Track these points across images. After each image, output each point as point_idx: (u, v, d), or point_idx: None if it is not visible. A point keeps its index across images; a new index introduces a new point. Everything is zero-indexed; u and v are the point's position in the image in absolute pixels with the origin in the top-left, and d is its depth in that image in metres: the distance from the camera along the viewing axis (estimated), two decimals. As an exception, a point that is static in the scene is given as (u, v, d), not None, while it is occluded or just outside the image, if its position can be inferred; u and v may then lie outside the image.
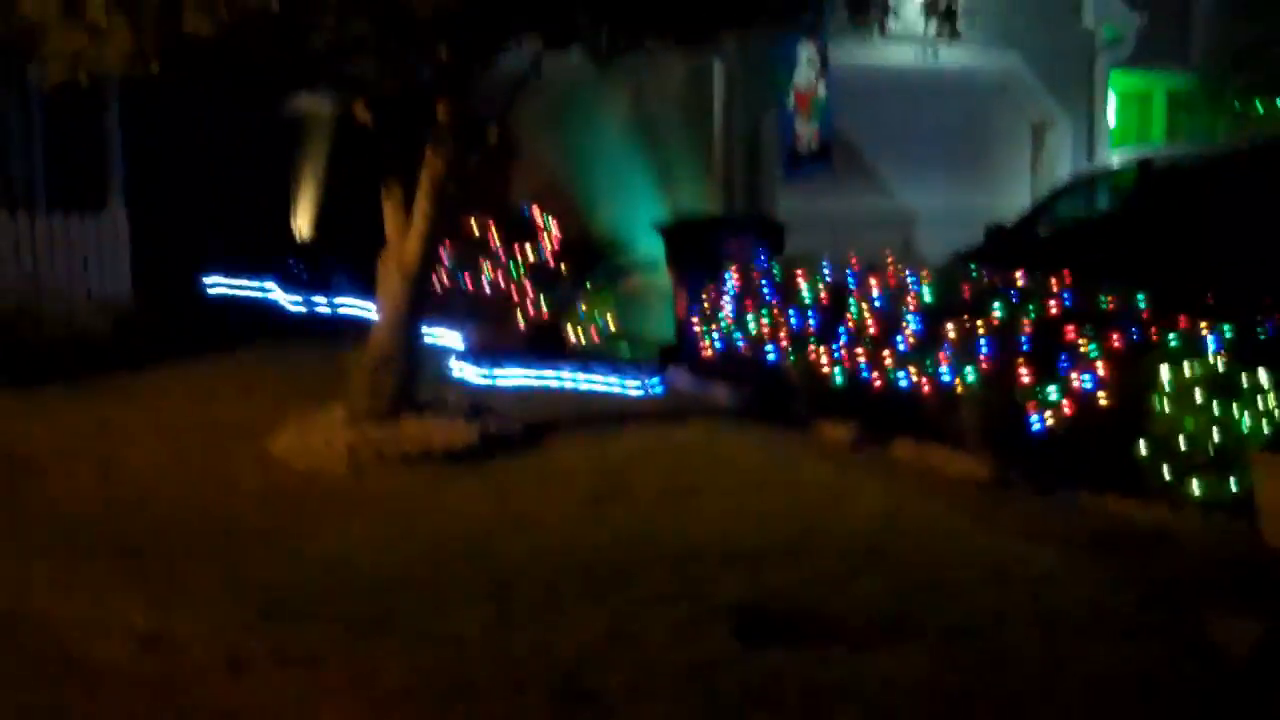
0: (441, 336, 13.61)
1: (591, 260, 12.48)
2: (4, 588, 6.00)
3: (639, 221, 12.88)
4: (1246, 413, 7.39)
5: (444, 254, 14.79)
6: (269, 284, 19.27)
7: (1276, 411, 7.41)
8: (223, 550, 6.56)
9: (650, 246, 12.70)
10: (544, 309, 12.75)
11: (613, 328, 13.03)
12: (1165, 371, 7.45)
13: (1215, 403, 7.37)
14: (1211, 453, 7.30)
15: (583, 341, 12.76)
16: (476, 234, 14.31)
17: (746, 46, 9.84)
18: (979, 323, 8.37)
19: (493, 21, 7.37)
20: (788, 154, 12.13)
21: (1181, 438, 7.34)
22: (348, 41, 6.95)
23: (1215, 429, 7.32)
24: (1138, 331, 7.76)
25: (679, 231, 11.88)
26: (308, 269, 20.47)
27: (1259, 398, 7.42)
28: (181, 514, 7.20)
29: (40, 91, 11.51)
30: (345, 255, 19.32)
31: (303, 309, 17.72)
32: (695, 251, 11.59)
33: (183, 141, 20.48)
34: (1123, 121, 14.50)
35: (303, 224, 23.17)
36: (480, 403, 9.34)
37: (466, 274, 14.21)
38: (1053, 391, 7.85)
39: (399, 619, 5.64)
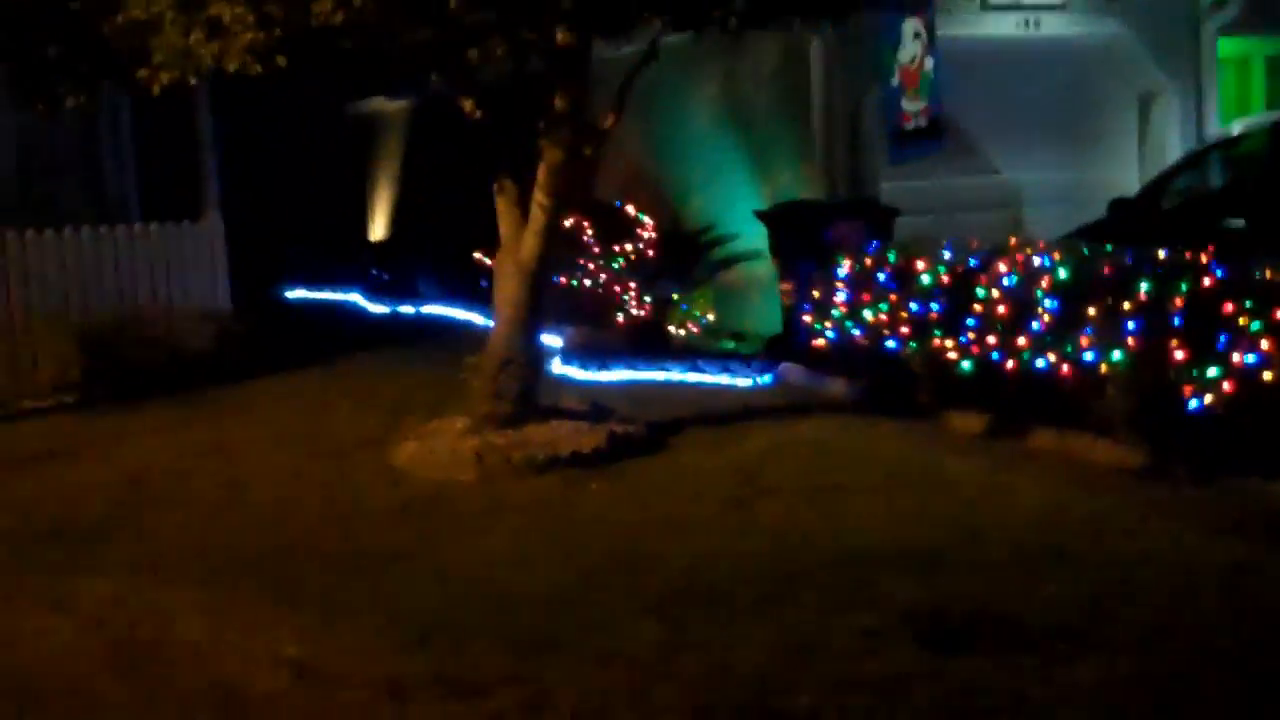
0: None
1: (689, 253, 12.15)
2: (149, 617, 5.79)
3: (734, 210, 12.55)
4: None
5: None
6: (352, 293, 19.20)
7: None
8: (364, 570, 6.33)
9: (748, 235, 12.38)
10: (644, 305, 12.46)
11: (713, 321, 12.73)
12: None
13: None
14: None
15: (684, 336, 12.46)
16: (567, 230, 14.07)
17: (848, 22, 9.38)
18: (1125, 301, 7.97)
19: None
20: (894, 133, 11.71)
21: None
22: (473, 25, 6.65)
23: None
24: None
25: (783, 218, 11.53)
26: (389, 273, 20.35)
27: None
28: (316, 534, 6.97)
29: (132, 96, 11.35)
30: (426, 257, 19.20)
31: (387, 313, 17.62)
32: (801, 239, 11.24)
33: (256, 145, 20.51)
34: (1221, 90, 13.95)
35: (379, 226, 23.08)
36: (599, 403, 9.08)
37: (560, 272, 13.96)
38: (1212, 370, 7.45)
39: (562, 639, 5.36)
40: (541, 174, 8.02)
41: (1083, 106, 13.33)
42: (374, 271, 20.98)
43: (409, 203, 20.89)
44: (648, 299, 12.00)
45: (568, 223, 14.10)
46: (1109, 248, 8.78)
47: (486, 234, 17.17)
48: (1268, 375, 7.22)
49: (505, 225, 8.47)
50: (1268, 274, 7.57)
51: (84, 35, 7.86)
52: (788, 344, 11.41)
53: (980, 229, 11.68)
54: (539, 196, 8.06)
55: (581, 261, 13.31)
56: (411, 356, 12.56)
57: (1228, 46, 14.00)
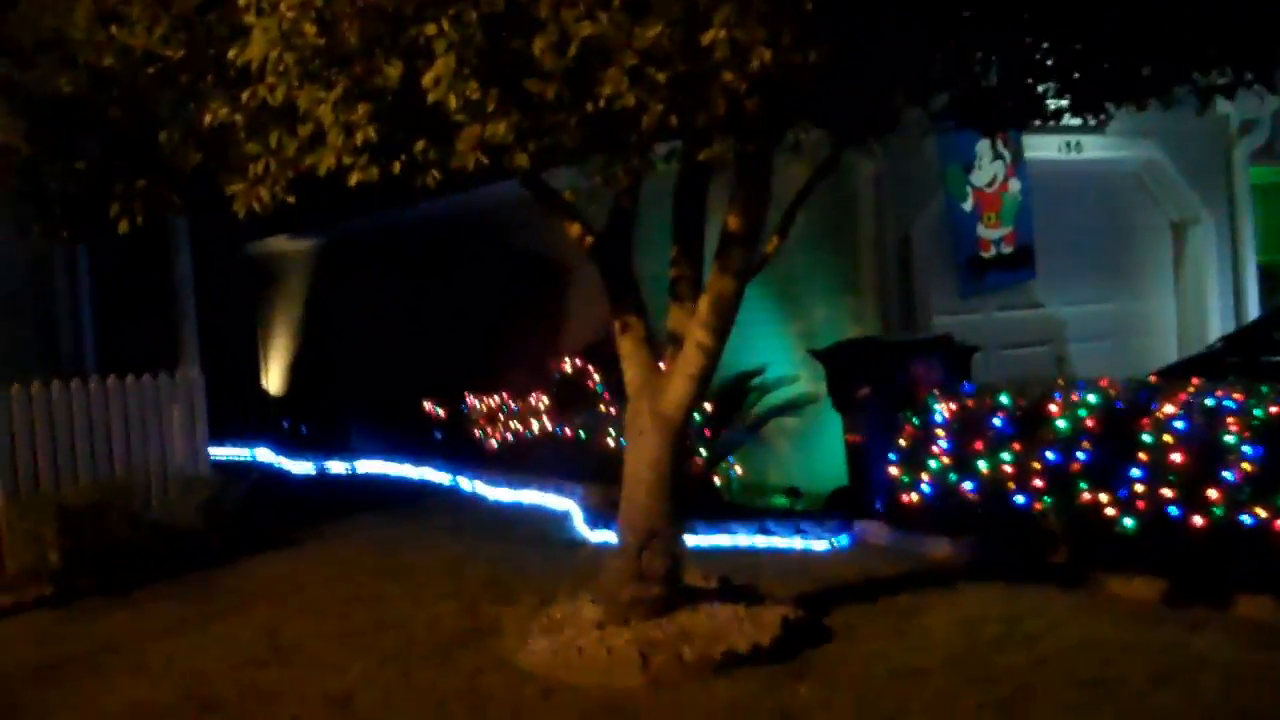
0: (545, 498, 11.96)
1: (732, 399, 10.84)
2: None
3: (776, 349, 11.35)
4: None
5: (536, 400, 13.21)
6: (259, 448, 17.31)
7: None
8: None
9: (793, 376, 11.19)
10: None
11: (743, 475, 11.40)
12: None
13: None
14: None
15: (724, 494, 11.09)
16: (570, 377, 12.74)
17: (904, 141, 8.34)
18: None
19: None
20: (968, 262, 10.68)
21: None
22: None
23: None
24: None
25: (844, 358, 10.30)
26: (309, 425, 18.56)
27: None
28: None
29: (91, 242, 9.72)
30: (359, 407, 17.53)
31: (314, 473, 15.85)
32: (868, 380, 10.05)
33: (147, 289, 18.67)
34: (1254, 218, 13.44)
35: (279, 375, 21.31)
36: (728, 578, 7.69)
37: (566, 424, 12.57)
38: None
39: None
40: (704, 307, 6.68)
41: (1122, 235, 12.60)
42: (285, 424, 19.21)
43: (326, 348, 19.25)
44: (701, 452, 10.61)
45: (569, 369, 12.82)
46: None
47: (437, 380, 15.93)
48: None
49: (634, 371, 7.10)
50: None
51: (134, 143, 6.37)
52: (857, 499, 10.16)
53: (1028, 364, 10.77)
54: (699, 334, 6.70)
55: (597, 410, 11.98)
56: (408, 524, 11.02)
57: (1259, 173, 13.49)
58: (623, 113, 5.11)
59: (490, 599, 8.00)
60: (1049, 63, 6.35)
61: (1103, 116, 6.66)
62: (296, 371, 20.52)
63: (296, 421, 18.67)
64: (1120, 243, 12.62)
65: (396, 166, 5.48)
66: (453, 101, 5.01)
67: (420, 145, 5.40)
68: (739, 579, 7.86)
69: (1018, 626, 7.07)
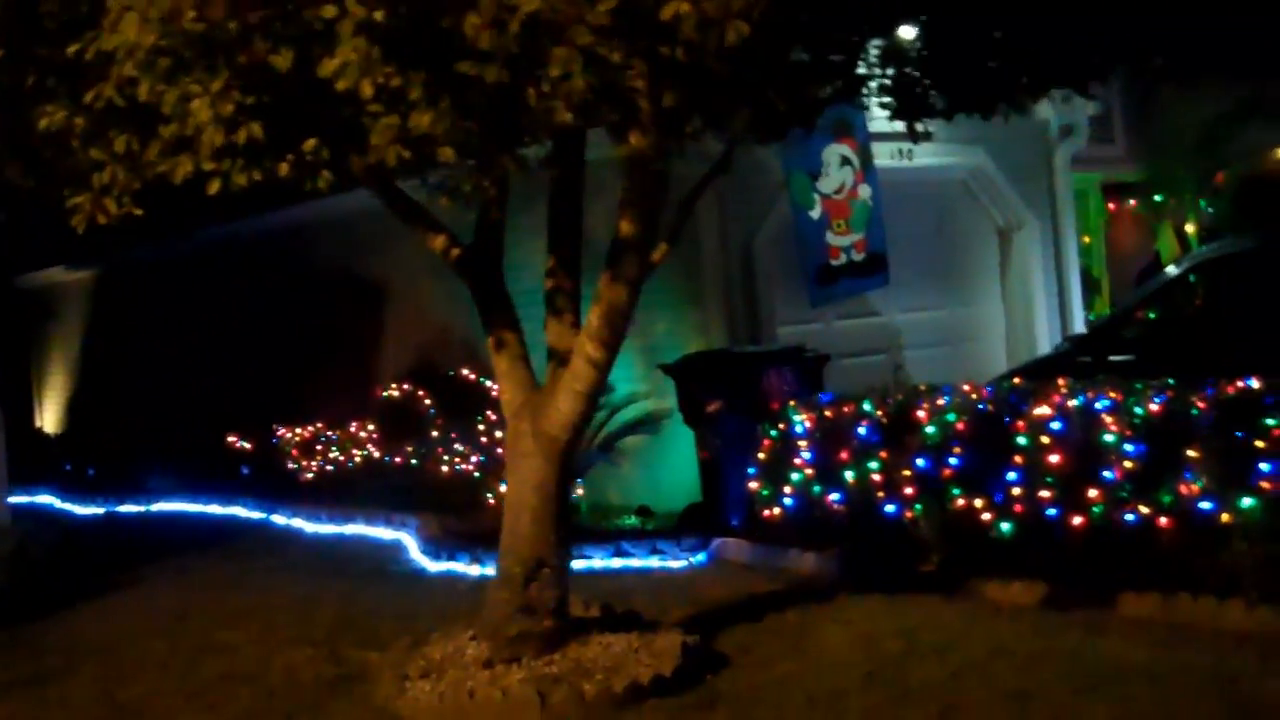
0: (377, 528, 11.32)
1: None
2: None
3: (619, 364, 10.85)
4: None
5: (358, 428, 12.55)
6: (40, 494, 16.08)
7: None
8: None
9: (641, 392, 10.80)
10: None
11: (583, 495, 10.95)
12: None
13: None
14: None
15: (581, 515, 10.60)
16: (399, 401, 12.12)
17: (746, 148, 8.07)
18: (1254, 439, 6.90)
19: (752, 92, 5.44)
20: (817, 270, 10.42)
21: None
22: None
23: None
24: None
25: (696, 370, 9.97)
26: (96, 466, 17.31)
27: None
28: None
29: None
30: (153, 445, 16.40)
31: (102, 514, 14.77)
32: (720, 394, 9.74)
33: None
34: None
35: (55, 414, 19.98)
36: (608, 605, 7.24)
37: (395, 452, 11.95)
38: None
39: None
40: (595, 319, 6.21)
41: (952, 241, 12.63)
42: (68, 466, 17.92)
43: (116, 385, 18.06)
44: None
45: (396, 394, 12.20)
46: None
47: (243, 412, 15.01)
48: None
49: (512, 389, 6.59)
50: None
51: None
52: (712, 516, 9.83)
53: (867, 374, 10.62)
54: (589, 348, 6.23)
55: (430, 436, 11.39)
56: (231, 565, 10.31)
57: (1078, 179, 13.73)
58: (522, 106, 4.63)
59: (350, 641, 7.38)
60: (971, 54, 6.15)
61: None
62: (81, 410, 19.26)
63: (82, 463, 17.43)
64: (951, 249, 12.63)
65: (284, 168, 4.84)
66: (366, 89, 4.44)
67: (311, 144, 4.79)
68: (615, 604, 7.42)
69: (917, 640, 6.80)
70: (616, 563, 9.42)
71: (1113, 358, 9.67)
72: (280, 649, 7.37)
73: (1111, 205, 16.10)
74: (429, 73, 4.43)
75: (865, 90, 6.72)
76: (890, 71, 6.44)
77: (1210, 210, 14.86)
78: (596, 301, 6.23)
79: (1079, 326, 12.87)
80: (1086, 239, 15.57)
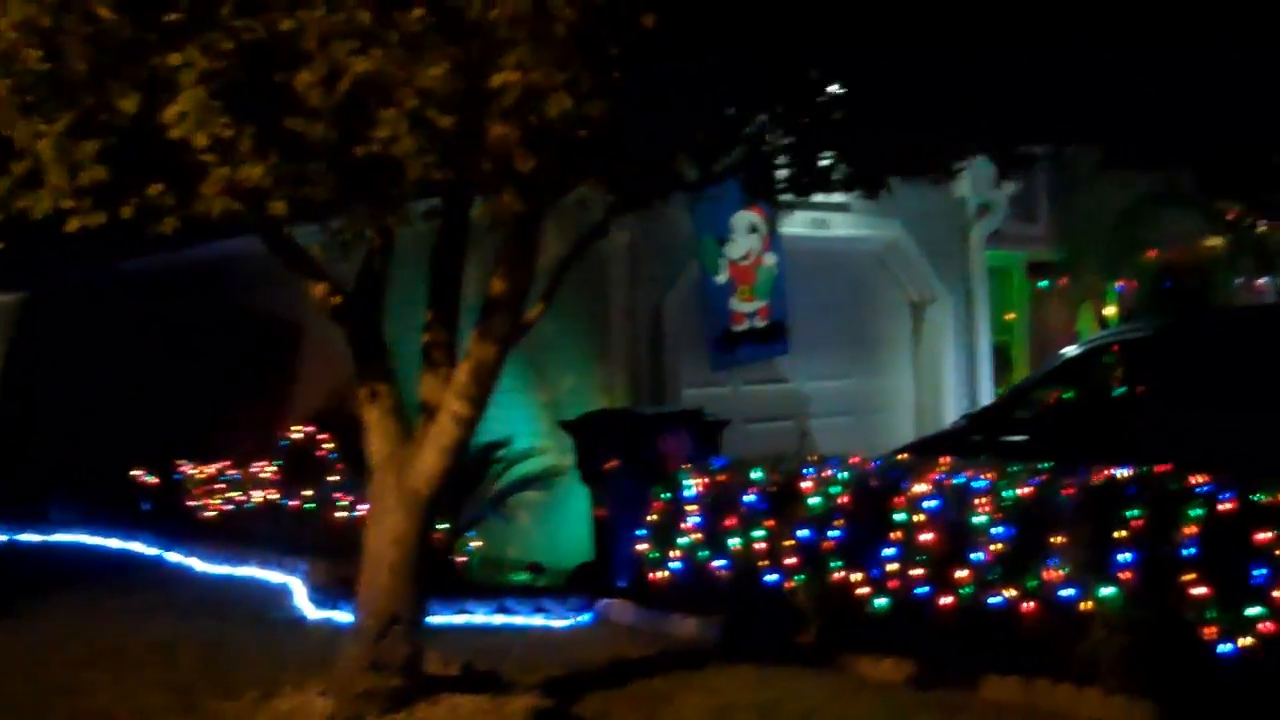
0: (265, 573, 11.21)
1: (475, 471, 10.29)
2: None
3: (522, 419, 10.92)
4: None
5: (260, 469, 12.45)
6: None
7: None
8: None
9: (540, 448, 10.77)
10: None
11: (480, 548, 10.87)
12: None
13: None
14: None
15: (462, 569, 10.52)
16: (299, 444, 12.05)
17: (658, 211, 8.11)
18: (1116, 529, 6.96)
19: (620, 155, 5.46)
20: (720, 335, 10.50)
21: None
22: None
23: None
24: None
25: (595, 428, 9.99)
26: (2, 494, 17.04)
27: None
28: None
29: None
30: (58, 475, 16.16)
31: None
32: (617, 453, 9.76)
33: None
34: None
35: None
36: (471, 665, 7.20)
37: (293, 494, 11.86)
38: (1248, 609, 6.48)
39: None
40: (463, 375, 6.21)
41: (864, 312, 12.73)
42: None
43: (21, 415, 17.78)
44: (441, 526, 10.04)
45: (299, 435, 12.13)
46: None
47: (149, 448, 14.84)
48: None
49: (379, 442, 6.56)
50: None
51: None
52: (602, 576, 9.82)
53: (773, 439, 10.67)
54: (455, 405, 6.23)
55: (328, 481, 11.32)
56: (114, 601, 10.16)
57: (994, 257, 13.88)
58: (387, 161, 4.65)
59: (208, 687, 7.29)
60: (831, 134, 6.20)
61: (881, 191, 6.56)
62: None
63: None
64: (862, 320, 12.73)
65: (127, 211, 4.86)
66: (200, 140, 4.45)
67: (156, 189, 4.79)
68: (481, 663, 7.38)
69: (774, 713, 6.84)
70: (498, 619, 9.40)
71: (1005, 438, 9.75)
72: (138, 692, 7.28)
73: (1036, 284, 16.28)
74: (260, 126, 4.44)
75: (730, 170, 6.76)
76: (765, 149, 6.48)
77: (1118, 293, 15.05)
78: (466, 358, 6.24)
79: (987, 401, 12.97)
80: (1011, 316, 15.73)
